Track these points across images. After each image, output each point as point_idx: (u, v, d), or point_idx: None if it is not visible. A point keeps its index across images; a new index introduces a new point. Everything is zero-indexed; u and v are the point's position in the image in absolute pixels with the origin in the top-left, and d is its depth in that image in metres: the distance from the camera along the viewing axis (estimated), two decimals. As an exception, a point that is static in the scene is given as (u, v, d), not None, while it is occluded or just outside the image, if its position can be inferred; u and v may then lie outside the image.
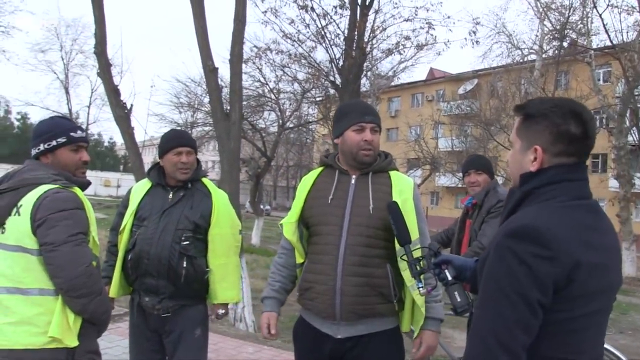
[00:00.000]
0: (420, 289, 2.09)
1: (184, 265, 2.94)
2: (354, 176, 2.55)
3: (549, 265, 1.36)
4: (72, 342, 2.24)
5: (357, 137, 2.50)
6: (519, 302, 1.35)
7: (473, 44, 14.96)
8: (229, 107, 7.35)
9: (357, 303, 2.39)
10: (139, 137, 10.00)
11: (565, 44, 19.19)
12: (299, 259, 2.63)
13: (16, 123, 59.30)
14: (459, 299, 1.86)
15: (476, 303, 1.48)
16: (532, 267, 1.36)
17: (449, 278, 1.89)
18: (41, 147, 2.40)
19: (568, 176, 1.51)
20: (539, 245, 1.37)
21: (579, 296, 1.40)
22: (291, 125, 22.36)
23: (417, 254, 2.04)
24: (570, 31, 18.61)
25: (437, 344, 2.50)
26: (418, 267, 2.06)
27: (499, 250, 1.42)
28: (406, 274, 2.37)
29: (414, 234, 2.41)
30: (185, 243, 2.96)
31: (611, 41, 16.62)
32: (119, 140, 62.19)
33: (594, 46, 18.19)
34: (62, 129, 2.43)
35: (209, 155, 36.17)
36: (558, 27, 18.64)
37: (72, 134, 2.43)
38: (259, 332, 6.64)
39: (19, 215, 2.23)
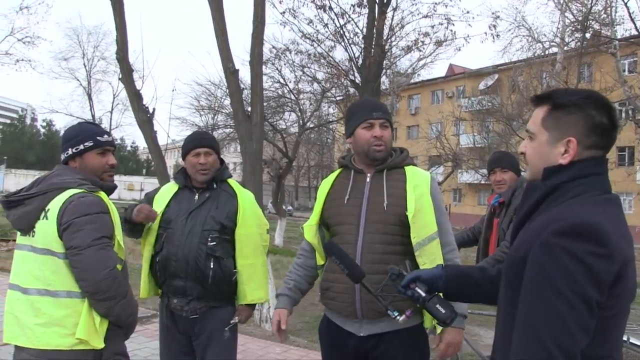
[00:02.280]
0: (398, 317, 2.06)
1: (211, 266, 2.94)
2: (369, 175, 2.56)
3: (607, 264, 1.32)
4: (99, 344, 2.28)
5: (367, 134, 2.52)
6: (579, 304, 1.30)
7: (493, 38, 14.77)
8: (250, 109, 7.38)
9: (376, 300, 2.38)
10: (162, 140, 10.10)
11: (587, 35, 18.84)
12: (320, 261, 2.67)
13: (42, 130, 60.45)
14: (443, 311, 1.82)
15: (522, 306, 1.40)
16: (591, 267, 1.30)
17: (423, 295, 1.83)
18: (69, 151, 2.45)
19: (596, 169, 1.48)
20: (596, 244, 1.32)
21: (623, 292, 1.37)
22: (312, 126, 22.37)
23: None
24: (593, 22, 18.23)
25: (460, 341, 2.45)
26: (384, 300, 2.04)
27: (551, 250, 1.35)
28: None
29: (432, 228, 2.43)
30: (212, 244, 2.96)
31: (637, 30, 16.21)
32: (141, 144, 63.12)
33: (619, 36, 17.82)
34: (89, 133, 2.48)
35: (230, 157, 36.40)
36: (580, 18, 18.28)
37: (98, 138, 2.48)
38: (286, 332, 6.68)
39: (46, 219, 2.28)
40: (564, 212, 1.42)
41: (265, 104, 11.12)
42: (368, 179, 2.55)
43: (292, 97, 19.26)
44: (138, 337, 5.37)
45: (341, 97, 19.18)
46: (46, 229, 2.27)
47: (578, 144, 1.47)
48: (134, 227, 3.02)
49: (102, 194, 2.42)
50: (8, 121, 67.94)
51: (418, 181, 2.50)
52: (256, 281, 3.09)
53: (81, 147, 2.44)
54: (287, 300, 2.66)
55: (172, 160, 40.05)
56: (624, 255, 1.34)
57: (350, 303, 2.43)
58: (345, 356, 2.51)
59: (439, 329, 2.44)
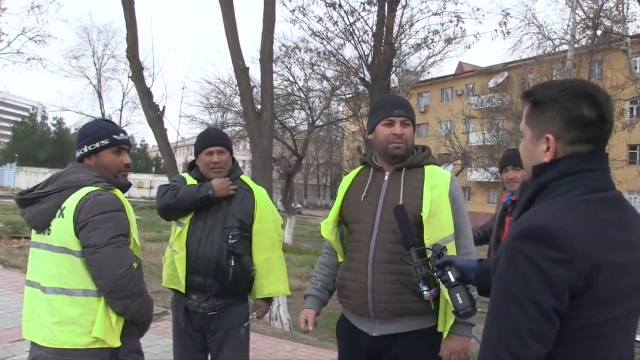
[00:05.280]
0: (425, 292, 2.06)
1: (232, 263, 2.95)
2: (387, 173, 2.53)
3: (564, 269, 1.26)
4: (115, 342, 2.28)
5: (387, 130, 2.49)
6: (531, 310, 1.26)
7: (503, 35, 14.72)
8: (260, 107, 7.40)
9: (389, 301, 2.36)
10: (172, 138, 10.16)
11: (599, 33, 18.68)
12: (340, 258, 2.64)
13: (52, 128, 60.86)
14: (460, 301, 1.81)
15: (487, 309, 1.38)
16: (545, 272, 1.26)
17: (452, 280, 1.84)
18: (85, 149, 2.44)
19: (585, 166, 1.39)
20: (552, 248, 1.26)
21: (603, 300, 1.30)
22: (321, 123, 22.40)
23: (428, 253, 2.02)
24: (605, 19, 18.08)
25: (464, 350, 2.39)
26: (420, 271, 2.06)
27: (509, 253, 1.32)
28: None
29: (448, 231, 2.39)
30: (232, 241, 2.97)
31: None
32: (150, 142, 63.39)
33: (631, 33, 17.68)
34: (105, 131, 2.46)
35: (239, 155, 36.43)
36: (591, 15, 18.13)
37: (114, 136, 2.46)
38: (295, 330, 6.69)
39: (62, 217, 2.28)
40: (530, 214, 1.38)
41: (274, 101, 11.15)
42: (386, 177, 2.52)
43: (302, 95, 19.31)
44: (149, 334, 5.32)
45: (350, 95, 19.19)
46: (62, 227, 2.27)
47: (557, 139, 1.41)
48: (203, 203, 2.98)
49: (118, 192, 2.41)
50: (19, 119, 68.40)
51: (436, 181, 2.45)
52: (274, 275, 3.09)
53: (97, 145, 2.42)
54: (313, 300, 2.68)
55: (182, 158, 40.22)
56: (592, 261, 1.27)
57: (363, 302, 2.40)
58: (359, 355, 2.49)
59: (445, 333, 2.39)
